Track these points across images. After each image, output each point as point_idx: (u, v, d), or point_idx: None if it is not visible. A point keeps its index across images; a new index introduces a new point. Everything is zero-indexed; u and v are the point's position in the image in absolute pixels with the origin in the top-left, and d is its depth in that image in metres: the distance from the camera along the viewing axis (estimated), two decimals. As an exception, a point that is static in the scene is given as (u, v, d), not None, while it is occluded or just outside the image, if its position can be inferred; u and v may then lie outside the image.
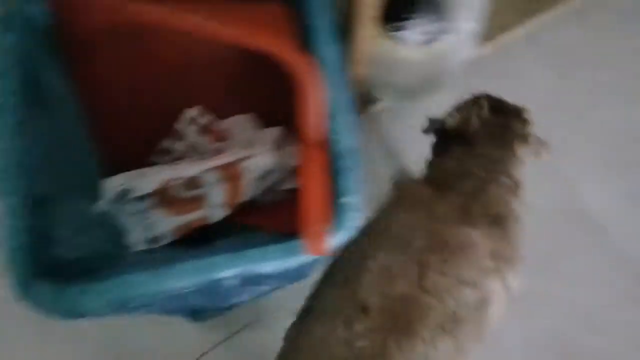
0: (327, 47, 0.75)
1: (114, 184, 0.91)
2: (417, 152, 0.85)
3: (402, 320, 0.64)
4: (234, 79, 0.90)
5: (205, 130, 0.94)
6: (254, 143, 0.89)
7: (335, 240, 0.70)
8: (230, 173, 0.87)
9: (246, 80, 0.89)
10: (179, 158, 0.94)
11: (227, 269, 0.68)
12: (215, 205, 0.89)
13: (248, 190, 0.87)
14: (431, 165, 0.85)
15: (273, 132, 0.88)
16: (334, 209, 0.71)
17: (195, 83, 0.91)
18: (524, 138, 0.81)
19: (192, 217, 0.90)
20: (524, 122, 0.81)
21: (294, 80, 0.69)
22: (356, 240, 0.72)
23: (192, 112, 0.94)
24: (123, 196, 0.91)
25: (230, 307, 0.85)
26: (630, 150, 1.22)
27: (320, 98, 0.70)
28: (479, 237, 0.70)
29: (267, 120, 0.93)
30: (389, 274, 0.67)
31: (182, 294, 0.72)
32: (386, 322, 0.64)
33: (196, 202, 0.90)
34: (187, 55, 0.86)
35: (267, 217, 0.87)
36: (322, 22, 0.76)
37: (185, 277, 0.67)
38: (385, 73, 0.95)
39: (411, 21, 0.85)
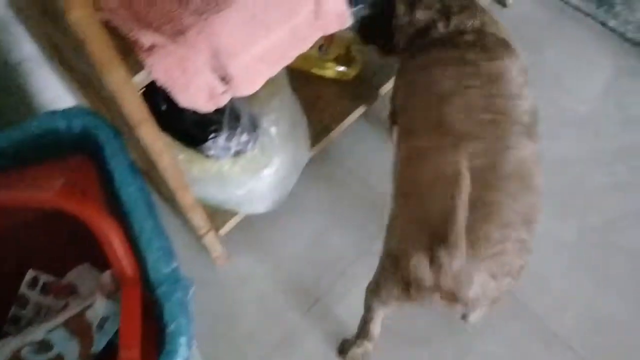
0: (129, 186, 0.79)
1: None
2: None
3: (493, 132, 0.86)
4: (62, 231, 0.92)
5: (47, 289, 0.95)
6: (95, 290, 0.89)
7: (165, 370, 0.70)
8: (78, 326, 0.87)
9: (74, 229, 0.92)
10: (29, 323, 0.93)
11: None
12: (74, 362, 0.88)
13: (99, 337, 0.87)
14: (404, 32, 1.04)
15: (108, 276, 0.89)
16: (162, 338, 0.72)
17: (26, 245, 0.92)
18: None
19: (54, 379, 0.89)
20: None
21: (92, 229, 0.72)
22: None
23: (30, 274, 0.94)
24: (-24, 376, 0.88)
25: None
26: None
27: (119, 239, 0.72)
28: (506, 64, 0.93)
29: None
30: (467, 108, 0.88)
31: None
32: (483, 136, 0.85)
33: (54, 363, 0.89)
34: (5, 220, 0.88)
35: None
36: (121, 164, 0.80)
37: None
38: (214, 192, 0.99)
39: (217, 137, 0.91)
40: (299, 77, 1.28)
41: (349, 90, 1.31)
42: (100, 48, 0.58)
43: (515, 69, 0.93)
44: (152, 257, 0.75)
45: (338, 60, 1.29)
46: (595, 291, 1.18)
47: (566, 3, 1.53)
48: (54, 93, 1.13)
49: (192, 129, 0.90)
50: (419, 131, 0.92)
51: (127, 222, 0.78)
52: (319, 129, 1.27)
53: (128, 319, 0.70)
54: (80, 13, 0.52)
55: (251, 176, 0.98)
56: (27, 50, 1.03)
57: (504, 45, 0.96)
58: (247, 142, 0.94)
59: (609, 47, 1.48)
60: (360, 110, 1.30)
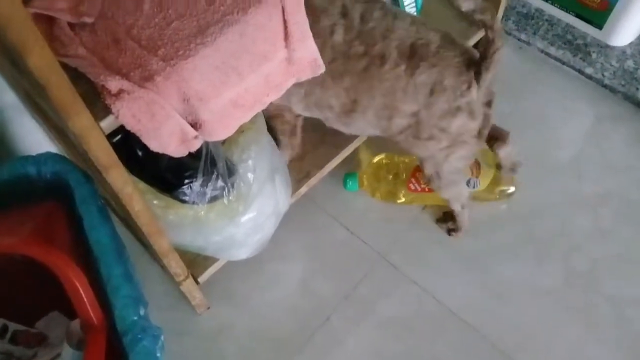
0: (98, 232, 0.79)
1: None
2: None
3: None
4: (32, 279, 0.91)
5: (16, 338, 0.92)
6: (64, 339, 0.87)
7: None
8: (44, 376, 0.85)
9: (44, 276, 0.90)
10: (-3, 374, 0.91)
11: None
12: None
13: (66, 389, 0.84)
14: None
15: (76, 324, 0.87)
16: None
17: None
18: None
19: None
20: None
21: (58, 277, 0.71)
22: None
23: (-1, 323, 0.92)
24: None
25: None
26: (471, 242, 1.30)
27: (84, 287, 0.71)
28: None
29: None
30: None
31: None
32: None
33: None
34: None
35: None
36: (91, 209, 0.80)
37: None
38: (191, 238, 0.99)
39: (192, 183, 0.91)
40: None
41: (330, 136, 1.32)
42: (62, 93, 0.58)
43: None
44: (119, 304, 0.74)
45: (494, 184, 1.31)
46: (580, 337, 1.16)
47: (545, 53, 1.56)
48: (34, 140, 1.14)
49: (167, 175, 0.90)
50: None
51: (95, 268, 0.77)
52: (301, 174, 1.27)
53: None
54: (39, 59, 0.53)
55: (228, 222, 0.97)
56: (7, 98, 1.04)
57: None
58: (223, 188, 0.94)
59: (588, 94, 1.50)
60: (342, 156, 1.31)
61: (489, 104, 0.98)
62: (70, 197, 0.82)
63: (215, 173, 0.93)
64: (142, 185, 0.91)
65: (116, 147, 0.80)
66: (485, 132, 0.99)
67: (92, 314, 0.72)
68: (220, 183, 0.94)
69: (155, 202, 0.92)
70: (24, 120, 1.11)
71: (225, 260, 1.16)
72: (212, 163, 0.93)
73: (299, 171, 1.27)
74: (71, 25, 0.75)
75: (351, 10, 0.95)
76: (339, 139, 1.31)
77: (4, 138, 1.12)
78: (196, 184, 0.91)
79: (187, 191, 0.91)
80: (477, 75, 0.92)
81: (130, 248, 1.01)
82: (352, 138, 1.31)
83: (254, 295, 1.25)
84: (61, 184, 0.83)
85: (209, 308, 1.23)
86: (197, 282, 1.15)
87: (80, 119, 0.64)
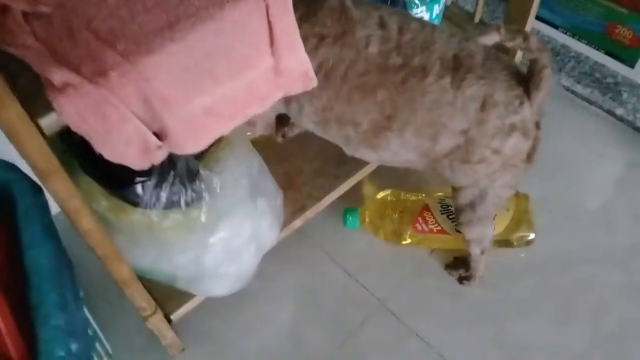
0: (36, 251, 0.68)
1: None
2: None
3: None
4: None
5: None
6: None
7: None
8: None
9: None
10: None
11: None
12: None
13: None
14: None
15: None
16: None
17: None
18: None
19: None
20: None
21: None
22: None
23: None
24: None
25: None
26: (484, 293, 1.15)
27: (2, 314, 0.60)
28: None
29: None
30: None
31: None
32: None
33: None
34: None
35: None
36: (32, 225, 0.70)
37: None
38: (150, 257, 0.87)
39: (146, 181, 0.80)
40: (280, 150, 1.20)
41: (331, 167, 1.21)
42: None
43: None
44: (45, 335, 0.62)
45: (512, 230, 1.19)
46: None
47: (571, 91, 1.45)
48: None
49: (117, 169, 0.79)
50: None
51: (28, 293, 0.66)
52: (296, 207, 1.16)
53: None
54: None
55: (193, 240, 0.86)
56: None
57: None
58: (181, 192, 0.83)
59: (619, 137, 1.38)
60: (342, 189, 1.19)
61: (537, 125, 0.90)
62: (13, 212, 0.72)
63: (173, 173, 0.82)
64: (90, 186, 0.81)
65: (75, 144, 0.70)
66: (534, 156, 0.91)
67: (10, 347, 0.61)
68: (177, 186, 0.83)
69: (104, 203, 0.81)
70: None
71: (203, 296, 1.04)
72: (170, 160, 0.82)
73: (294, 203, 1.15)
74: (25, 15, 0.67)
75: (389, 22, 0.89)
76: (341, 170, 1.20)
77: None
78: (150, 184, 0.81)
79: (139, 191, 0.81)
80: (527, 93, 0.85)
81: (104, 275, 0.90)
82: (355, 169, 1.20)
83: (236, 339, 1.12)
84: (6, 195, 0.73)
85: (183, 350, 1.10)
86: (169, 320, 1.02)
87: (7, 111, 0.54)
